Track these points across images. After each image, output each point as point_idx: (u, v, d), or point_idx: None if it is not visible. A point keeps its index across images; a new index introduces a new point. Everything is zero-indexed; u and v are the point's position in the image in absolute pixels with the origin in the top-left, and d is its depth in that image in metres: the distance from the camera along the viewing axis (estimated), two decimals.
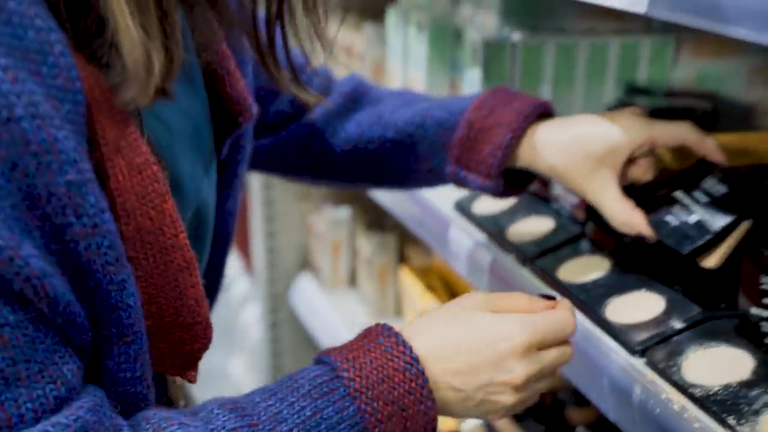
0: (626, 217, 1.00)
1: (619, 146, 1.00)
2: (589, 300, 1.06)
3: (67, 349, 0.65)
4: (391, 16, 1.61)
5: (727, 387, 0.88)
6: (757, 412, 0.84)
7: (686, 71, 1.41)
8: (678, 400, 0.89)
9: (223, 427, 0.72)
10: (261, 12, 0.84)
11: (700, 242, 0.98)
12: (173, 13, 0.67)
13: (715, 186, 1.02)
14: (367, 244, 2.02)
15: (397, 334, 0.81)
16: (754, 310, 0.92)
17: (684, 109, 1.27)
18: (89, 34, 0.66)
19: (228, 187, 0.96)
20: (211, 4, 0.81)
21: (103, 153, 0.66)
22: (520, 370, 0.80)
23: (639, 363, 0.96)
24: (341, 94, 1.15)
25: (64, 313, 0.64)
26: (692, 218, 1.00)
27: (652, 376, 0.93)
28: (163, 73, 0.67)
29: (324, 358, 0.80)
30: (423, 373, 0.79)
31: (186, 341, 0.77)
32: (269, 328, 2.36)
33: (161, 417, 0.72)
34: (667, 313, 1.00)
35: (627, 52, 1.38)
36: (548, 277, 1.12)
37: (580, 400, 1.43)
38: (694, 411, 0.87)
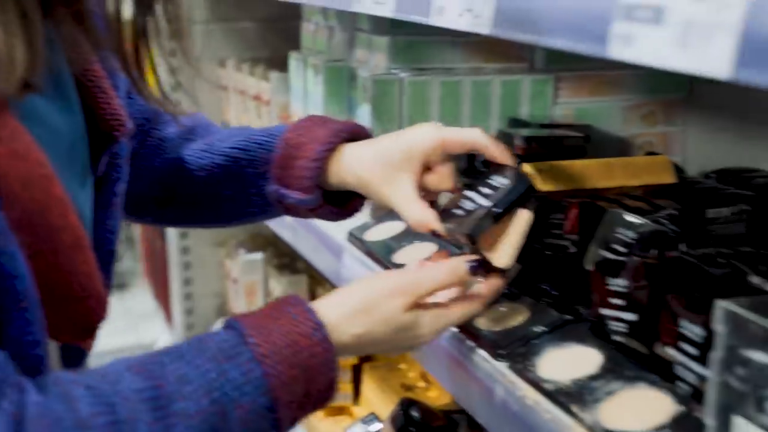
0: (418, 215, 1.05)
1: (414, 152, 1.07)
2: None
3: None
4: (292, 62, 1.69)
5: (575, 381, 0.94)
6: (598, 401, 0.90)
7: (565, 108, 1.50)
8: (533, 396, 0.95)
9: (130, 388, 0.77)
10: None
11: (480, 220, 1.03)
12: (33, 14, 0.74)
13: (499, 179, 1.08)
14: (278, 285, 2.07)
15: (303, 302, 0.88)
16: (603, 311, 0.99)
17: (556, 137, 1.36)
18: None
19: (108, 204, 1.01)
20: (77, 22, 0.87)
21: None
22: (427, 330, 0.95)
23: (502, 366, 1.02)
24: (181, 126, 1.22)
25: None
26: (473, 205, 1.06)
27: (512, 376, 1.00)
28: (26, 67, 0.72)
29: (233, 324, 0.85)
30: (327, 339, 0.87)
31: (81, 313, 0.82)
32: None
33: (70, 379, 0.77)
34: (531, 320, 1.06)
35: (509, 89, 1.47)
36: None
37: (472, 422, 1.48)
38: (545, 404, 0.93)
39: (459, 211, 1.07)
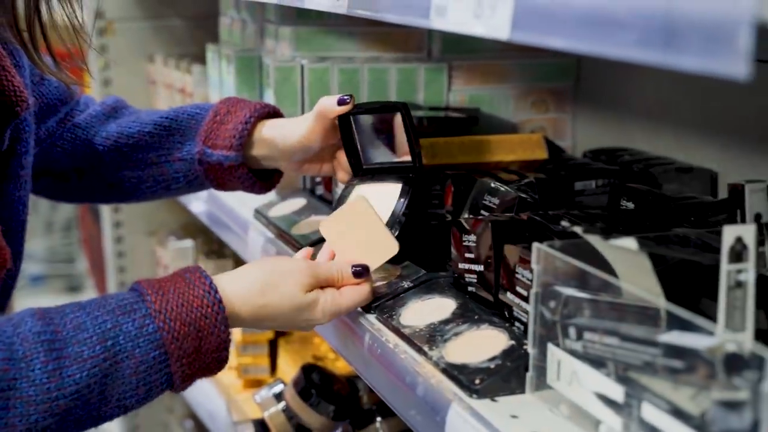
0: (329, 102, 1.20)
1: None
2: None
3: None
4: (209, 54, 1.79)
5: (429, 325, 1.05)
6: (446, 341, 1.01)
7: (459, 95, 1.62)
8: (394, 340, 1.06)
9: (30, 331, 0.86)
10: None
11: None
12: None
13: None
14: (206, 269, 2.16)
15: (200, 269, 0.99)
16: (461, 265, 1.10)
17: (442, 118, 1.47)
18: None
19: (15, 177, 1.10)
20: None
21: None
22: (320, 314, 1.05)
23: (371, 317, 1.12)
24: (102, 105, 1.33)
25: None
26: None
27: (378, 325, 1.10)
28: None
29: (135, 286, 0.96)
30: (220, 302, 0.96)
31: None
32: None
33: None
34: (400, 277, 1.17)
35: (405, 77, 1.58)
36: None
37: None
38: (403, 346, 1.04)
39: None
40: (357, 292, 1.09)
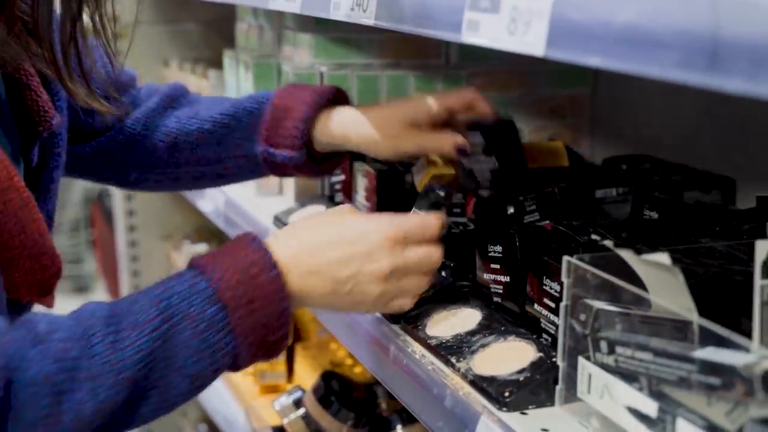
0: (446, 138, 1.20)
1: (418, 115, 1.21)
2: None
3: None
4: (226, 59, 1.79)
5: (456, 336, 1.05)
6: (473, 352, 1.01)
7: None
8: (420, 350, 1.06)
9: (86, 311, 0.86)
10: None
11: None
12: None
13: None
14: None
15: (251, 233, 0.93)
16: (486, 276, 1.10)
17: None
18: None
19: (46, 190, 1.10)
20: (8, 30, 0.94)
21: None
22: (386, 261, 0.94)
23: (396, 327, 1.13)
24: (160, 95, 1.32)
25: None
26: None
27: (404, 335, 1.10)
28: None
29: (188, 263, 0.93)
30: (266, 250, 0.90)
31: (37, 270, 0.91)
32: None
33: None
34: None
35: (424, 84, 1.59)
36: None
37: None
38: (430, 357, 1.04)
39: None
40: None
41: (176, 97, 1.33)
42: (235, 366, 0.91)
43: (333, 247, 0.95)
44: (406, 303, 0.99)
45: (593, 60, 0.68)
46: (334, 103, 1.25)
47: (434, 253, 0.99)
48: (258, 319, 0.89)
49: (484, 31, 0.81)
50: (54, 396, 0.80)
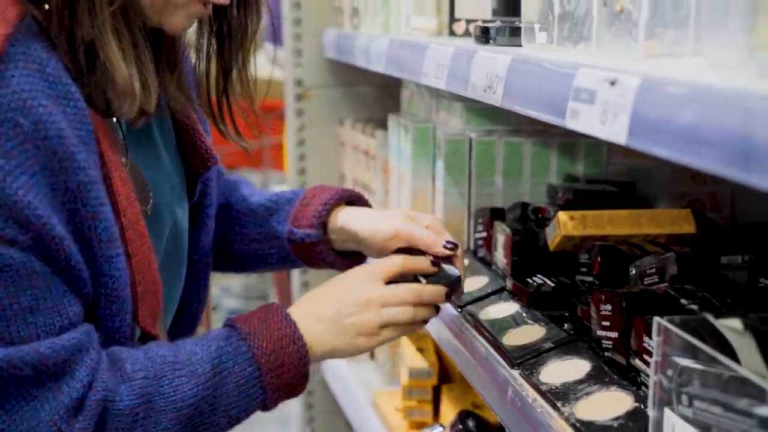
0: (430, 236, 1.32)
1: (376, 237, 1.35)
2: (494, 331, 1.36)
3: (73, 296, 1.01)
4: (390, 122, 1.98)
5: (564, 384, 1.17)
6: (578, 398, 1.13)
7: (618, 167, 1.72)
8: (532, 394, 1.19)
9: (158, 354, 1.10)
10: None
11: None
12: (142, 46, 1.05)
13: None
14: None
15: (278, 306, 1.19)
16: (599, 332, 1.22)
17: (596, 191, 1.59)
18: (82, 74, 1.01)
19: (202, 225, 1.32)
20: (178, 86, 1.19)
21: (108, 168, 1.02)
22: (365, 292, 1.21)
23: (515, 373, 1.26)
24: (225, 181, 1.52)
25: (74, 268, 0.99)
26: None
27: (521, 381, 1.23)
28: (141, 97, 1.03)
29: (227, 322, 1.18)
30: (294, 324, 1.17)
31: (154, 304, 1.12)
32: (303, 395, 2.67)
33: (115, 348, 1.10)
34: (544, 338, 1.30)
35: (566, 150, 1.71)
36: (473, 318, 1.43)
37: None
38: (540, 401, 1.17)
39: None
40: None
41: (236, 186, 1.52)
42: (264, 409, 1.18)
43: (336, 299, 1.22)
44: (392, 334, 1.24)
45: (662, 152, 0.81)
46: (351, 202, 1.42)
47: (411, 291, 1.24)
48: (285, 379, 1.17)
49: (583, 119, 0.94)
50: (133, 422, 1.06)
